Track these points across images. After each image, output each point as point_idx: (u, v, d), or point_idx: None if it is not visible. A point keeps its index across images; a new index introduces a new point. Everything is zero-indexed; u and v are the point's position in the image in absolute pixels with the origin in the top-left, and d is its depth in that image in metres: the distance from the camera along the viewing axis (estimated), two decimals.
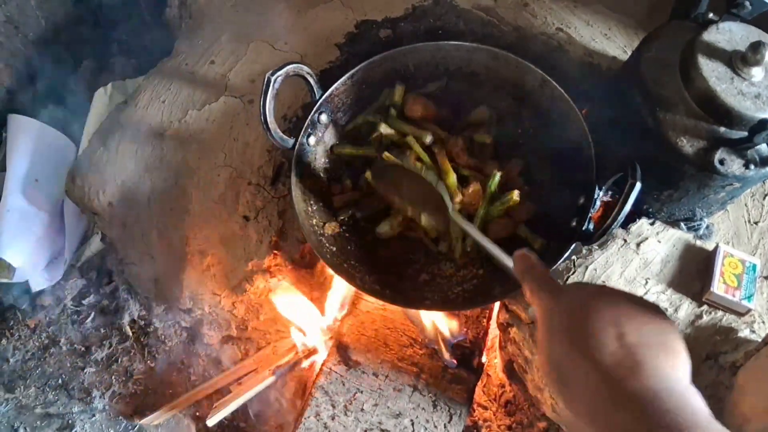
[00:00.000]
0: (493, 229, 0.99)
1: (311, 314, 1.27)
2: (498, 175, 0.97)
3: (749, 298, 0.91)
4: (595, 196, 0.89)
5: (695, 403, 0.46)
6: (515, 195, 0.95)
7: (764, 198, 1.06)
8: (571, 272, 1.00)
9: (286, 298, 1.22)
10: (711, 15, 0.86)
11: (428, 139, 1.02)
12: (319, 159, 1.07)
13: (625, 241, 1.00)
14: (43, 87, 1.76)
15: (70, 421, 1.40)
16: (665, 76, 0.84)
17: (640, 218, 1.01)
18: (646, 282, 0.97)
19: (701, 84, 0.78)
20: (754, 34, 0.82)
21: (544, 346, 0.56)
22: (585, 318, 0.53)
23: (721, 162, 0.79)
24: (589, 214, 0.88)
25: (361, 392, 1.18)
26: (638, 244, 1.00)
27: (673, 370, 0.49)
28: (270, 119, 0.92)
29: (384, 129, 1.04)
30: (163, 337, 1.46)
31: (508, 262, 0.68)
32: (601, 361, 0.49)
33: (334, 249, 1.00)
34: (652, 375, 0.47)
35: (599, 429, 0.49)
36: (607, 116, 0.98)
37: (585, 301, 0.55)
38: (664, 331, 0.51)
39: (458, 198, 0.97)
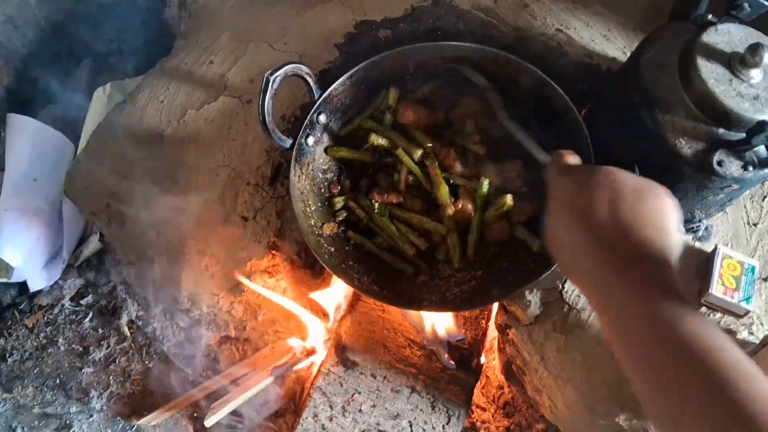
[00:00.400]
0: (491, 231, 0.99)
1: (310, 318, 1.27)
2: (486, 183, 0.98)
3: (748, 300, 0.91)
4: None
5: (669, 264, 0.56)
6: (508, 199, 0.95)
7: (763, 200, 1.06)
8: None
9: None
10: (710, 16, 0.85)
11: (418, 154, 1.02)
12: (317, 159, 1.06)
13: None
14: (43, 86, 1.76)
15: (67, 421, 1.40)
16: (664, 78, 0.84)
17: None
18: None
19: (700, 85, 0.78)
20: (752, 35, 0.82)
21: (549, 216, 0.65)
22: (585, 192, 0.61)
23: (720, 164, 0.79)
24: None
25: (359, 393, 1.18)
26: None
27: (659, 240, 0.58)
28: (269, 119, 0.92)
29: (375, 140, 1.03)
30: (161, 337, 1.46)
31: (543, 157, 0.77)
32: (598, 233, 0.59)
33: (333, 249, 1.00)
34: (638, 246, 0.57)
35: (592, 287, 0.60)
36: (606, 117, 0.98)
37: (589, 178, 0.63)
38: (654, 207, 0.60)
39: (450, 210, 0.98)
